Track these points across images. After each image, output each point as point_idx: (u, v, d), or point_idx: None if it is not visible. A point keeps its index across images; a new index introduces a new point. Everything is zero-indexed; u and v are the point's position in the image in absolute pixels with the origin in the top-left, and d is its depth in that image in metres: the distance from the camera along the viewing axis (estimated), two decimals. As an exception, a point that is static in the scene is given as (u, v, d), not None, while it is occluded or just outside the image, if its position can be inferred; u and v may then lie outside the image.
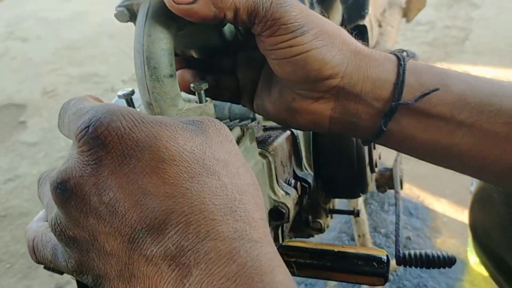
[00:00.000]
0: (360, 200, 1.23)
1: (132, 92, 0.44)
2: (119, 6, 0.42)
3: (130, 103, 0.44)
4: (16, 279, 1.40)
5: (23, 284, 1.38)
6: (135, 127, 0.28)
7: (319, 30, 0.41)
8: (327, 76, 0.41)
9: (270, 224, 0.50)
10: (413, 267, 0.72)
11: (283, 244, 0.39)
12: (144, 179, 0.27)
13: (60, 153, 2.04)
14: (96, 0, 3.84)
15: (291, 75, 0.42)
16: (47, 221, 0.34)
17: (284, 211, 0.50)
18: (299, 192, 0.55)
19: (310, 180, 0.59)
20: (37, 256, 0.33)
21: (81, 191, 0.28)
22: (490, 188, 0.72)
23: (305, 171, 0.62)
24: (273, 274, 0.27)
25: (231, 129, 0.45)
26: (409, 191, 1.61)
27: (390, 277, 1.26)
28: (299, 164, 0.61)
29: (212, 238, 0.26)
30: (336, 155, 0.64)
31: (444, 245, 1.40)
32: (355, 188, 0.67)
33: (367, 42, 1.01)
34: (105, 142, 0.28)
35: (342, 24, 0.94)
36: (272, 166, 0.50)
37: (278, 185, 0.51)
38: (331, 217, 0.77)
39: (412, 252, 0.73)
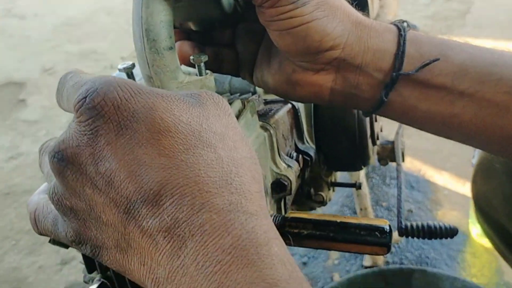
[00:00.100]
0: (362, 173, 1.23)
1: (133, 66, 0.43)
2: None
3: (130, 76, 0.43)
4: (21, 255, 1.42)
5: (29, 261, 1.39)
6: (131, 98, 0.28)
7: (320, 0, 0.40)
8: (328, 48, 0.41)
9: (272, 197, 0.50)
10: (415, 238, 0.73)
11: (286, 215, 0.39)
12: (140, 150, 0.27)
13: (62, 130, 2.03)
14: (93, -25, 3.79)
15: (292, 46, 0.41)
16: None
17: (286, 183, 0.50)
18: (301, 165, 0.55)
19: (311, 153, 0.59)
20: (38, 227, 0.34)
21: (78, 161, 0.28)
22: (492, 159, 0.72)
23: (307, 144, 0.62)
24: (269, 246, 0.27)
25: (231, 103, 0.45)
26: (410, 165, 1.61)
27: (392, 249, 1.27)
28: (300, 137, 0.61)
29: (207, 210, 0.26)
30: (337, 127, 0.64)
31: (445, 217, 1.41)
32: (357, 160, 0.67)
33: (368, 14, 1.00)
34: (101, 112, 0.28)
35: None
36: (274, 139, 0.50)
37: (280, 158, 0.51)
38: (333, 190, 0.77)
39: (414, 223, 0.73)
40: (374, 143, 0.71)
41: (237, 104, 0.45)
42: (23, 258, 1.40)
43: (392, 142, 0.93)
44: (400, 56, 0.42)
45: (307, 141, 0.62)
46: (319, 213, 0.41)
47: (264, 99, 0.59)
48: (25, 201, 1.64)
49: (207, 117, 0.30)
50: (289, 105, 0.58)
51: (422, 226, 0.73)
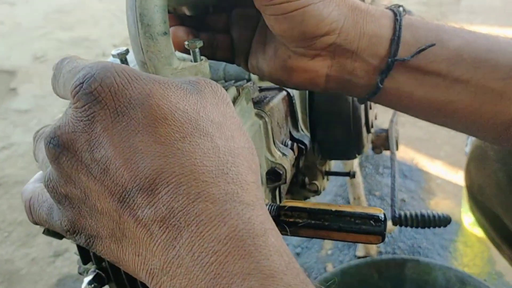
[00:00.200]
0: (356, 162, 1.23)
1: (127, 51, 0.43)
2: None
3: (124, 62, 0.43)
4: (14, 247, 1.41)
5: (22, 252, 1.38)
6: (128, 84, 0.28)
7: None
8: (324, 33, 0.41)
9: (267, 186, 0.50)
10: (408, 227, 0.73)
11: (280, 204, 0.39)
12: (136, 137, 0.27)
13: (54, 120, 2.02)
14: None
15: (287, 31, 0.41)
16: None
17: (281, 172, 0.49)
18: (296, 153, 0.55)
19: (306, 141, 0.59)
20: (33, 216, 0.33)
21: (73, 147, 0.27)
22: (485, 146, 0.72)
23: (302, 132, 0.61)
24: (265, 237, 0.26)
25: (226, 90, 0.45)
26: (403, 154, 1.61)
27: (386, 238, 1.28)
28: (295, 125, 0.61)
29: (203, 199, 0.26)
30: (332, 114, 0.63)
31: (438, 206, 1.41)
32: (351, 148, 0.67)
33: None
34: (98, 98, 0.27)
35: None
36: (269, 126, 0.49)
37: (275, 146, 0.51)
38: (327, 179, 0.77)
39: (407, 212, 0.73)
40: (368, 131, 0.70)
41: (232, 91, 0.45)
42: (16, 250, 1.39)
43: (386, 131, 0.93)
44: (396, 41, 0.41)
45: (302, 129, 0.62)
46: (313, 202, 0.41)
47: (259, 86, 0.58)
48: (17, 192, 1.62)
49: (204, 105, 0.29)
50: (284, 93, 0.58)
51: (416, 215, 0.73)
